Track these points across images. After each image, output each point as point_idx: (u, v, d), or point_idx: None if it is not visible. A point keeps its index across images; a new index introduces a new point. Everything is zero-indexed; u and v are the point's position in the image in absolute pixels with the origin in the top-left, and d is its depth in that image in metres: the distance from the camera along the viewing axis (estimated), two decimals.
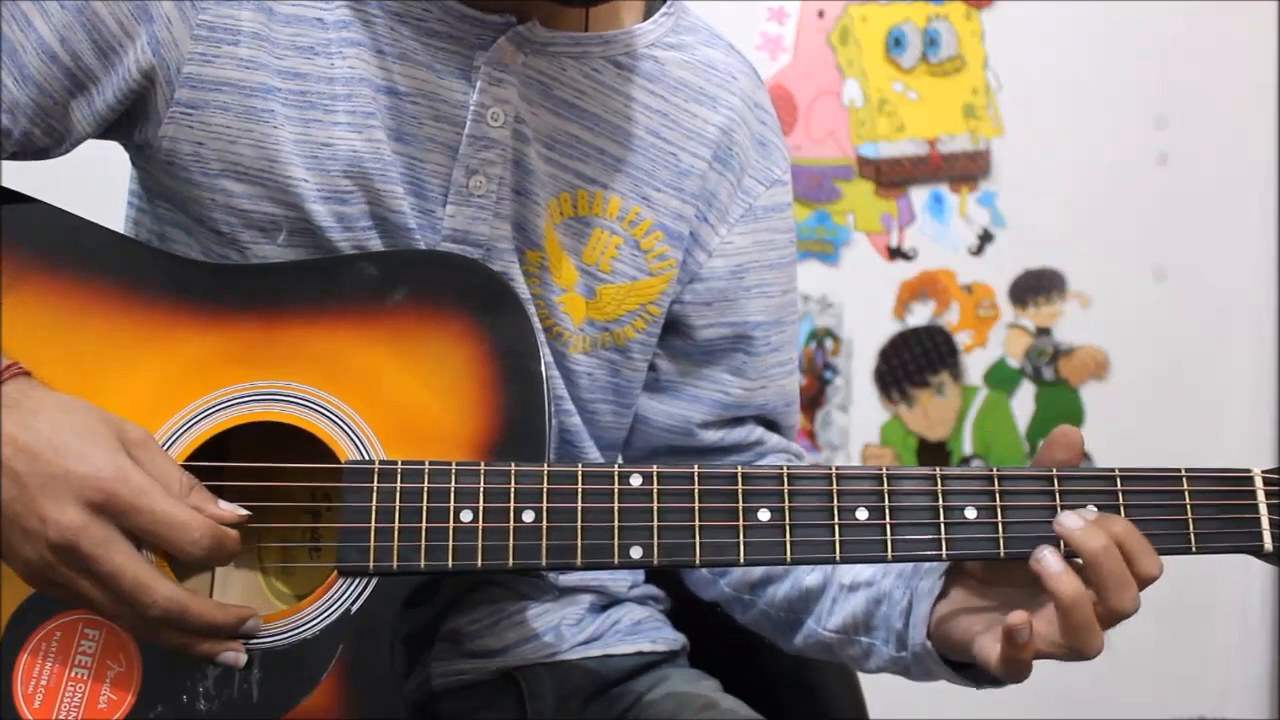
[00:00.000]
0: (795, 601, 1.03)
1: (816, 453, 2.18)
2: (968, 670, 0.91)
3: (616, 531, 0.83)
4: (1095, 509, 0.84)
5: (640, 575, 1.14)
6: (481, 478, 0.83)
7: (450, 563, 0.83)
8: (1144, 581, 0.83)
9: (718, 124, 1.03)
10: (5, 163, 0.91)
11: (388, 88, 0.93)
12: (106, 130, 0.94)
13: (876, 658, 0.97)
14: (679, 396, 1.08)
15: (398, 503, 0.83)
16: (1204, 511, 0.85)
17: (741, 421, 1.09)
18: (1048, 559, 0.83)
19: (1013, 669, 0.84)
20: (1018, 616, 0.82)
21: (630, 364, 1.05)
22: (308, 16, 0.92)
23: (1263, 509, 0.85)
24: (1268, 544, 0.85)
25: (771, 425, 1.11)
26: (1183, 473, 0.86)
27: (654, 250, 1.02)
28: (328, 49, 0.92)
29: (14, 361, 0.81)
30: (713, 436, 1.08)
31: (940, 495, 0.84)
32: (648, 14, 1.03)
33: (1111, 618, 0.82)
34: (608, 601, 1.10)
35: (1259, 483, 0.86)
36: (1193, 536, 0.85)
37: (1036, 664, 0.84)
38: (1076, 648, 0.83)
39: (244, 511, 0.81)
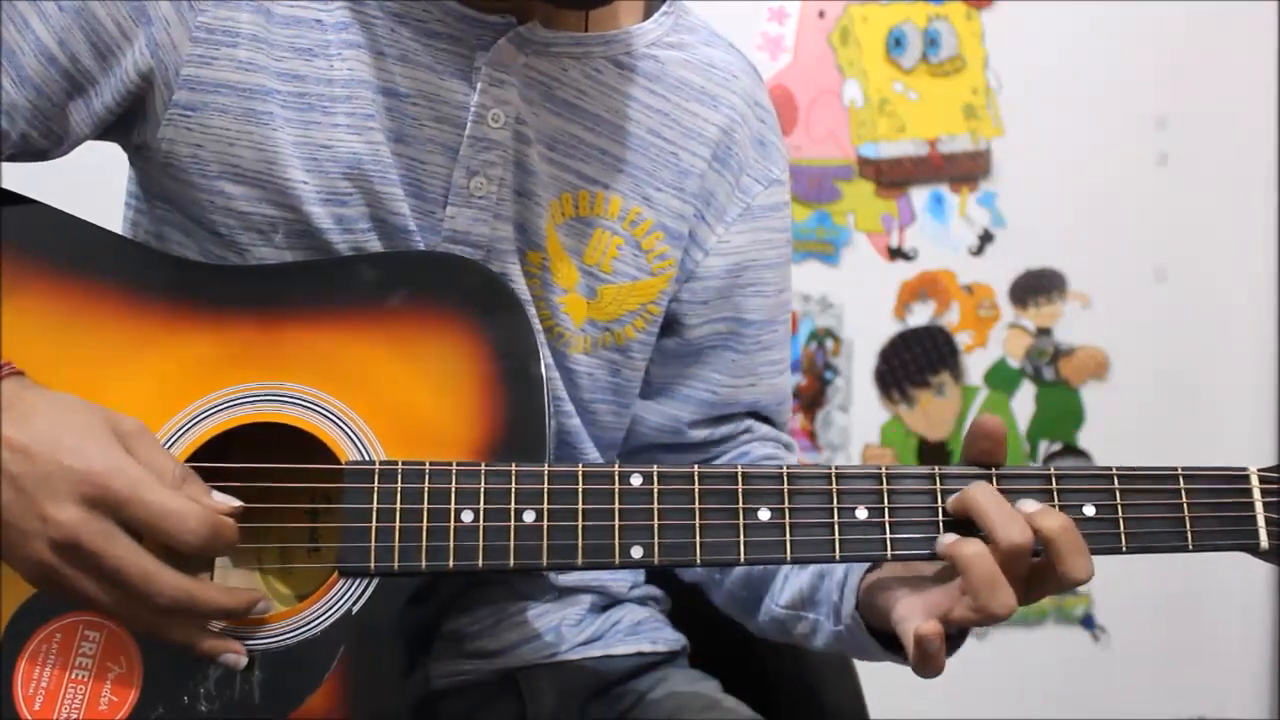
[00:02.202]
0: (754, 580, 1.04)
1: (817, 453, 2.17)
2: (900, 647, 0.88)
3: (617, 531, 0.83)
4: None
5: (640, 575, 1.14)
6: (482, 478, 0.83)
7: (451, 563, 0.83)
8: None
9: (718, 123, 1.03)
10: (3, 164, 0.91)
11: (387, 89, 0.93)
12: (105, 132, 0.94)
13: (821, 634, 0.97)
14: (671, 397, 1.08)
15: (399, 503, 0.83)
16: (1200, 510, 0.85)
17: (730, 418, 1.09)
18: (941, 539, 0.82)
19: (924, 669, 0.83)
20: (928, 627, 0.80)
21: (630, 363, 1.05)
22: (306, 18, 0.92)
23: (1259, 507, 0.85)
24: (1264, 542, 0.85)
25: (764, 421, 1.12)
26: (1179, 471, 0.85)
27: (655, 250, 1.02)
28: (326, 51, 0.92)
29: (8, 361, 0.81)
30: (701, 434, 1.08)
31: (939, 495, 0.84)
32: (647, 14, 1.03)
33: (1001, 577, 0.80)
34: (608, 602, 1.10)
35: (1255, 481, 0.86)
36: (1189, 534, 0.85)
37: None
38: (982, 606, 0.80)
39: (237, 502, 0.81)
